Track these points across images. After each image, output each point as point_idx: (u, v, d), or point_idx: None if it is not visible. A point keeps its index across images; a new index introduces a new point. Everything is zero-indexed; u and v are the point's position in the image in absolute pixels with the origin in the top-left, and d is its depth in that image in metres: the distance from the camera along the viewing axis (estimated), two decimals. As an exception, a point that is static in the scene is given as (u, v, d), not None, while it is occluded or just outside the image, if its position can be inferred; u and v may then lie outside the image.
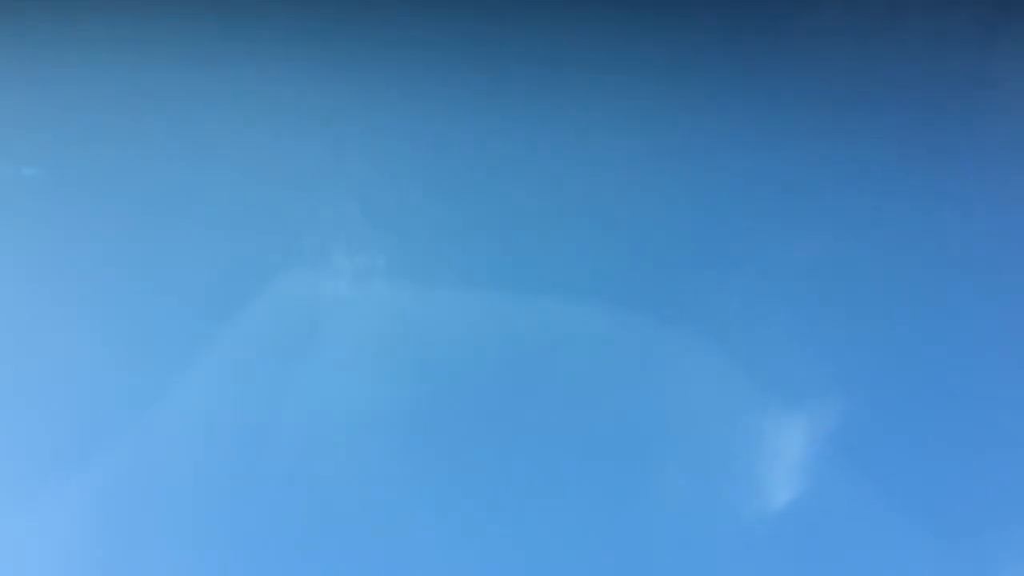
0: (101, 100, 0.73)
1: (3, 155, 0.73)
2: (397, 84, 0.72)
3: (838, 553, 0.63)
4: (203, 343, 0.68)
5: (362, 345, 0.68)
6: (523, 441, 0.66)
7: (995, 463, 0.63)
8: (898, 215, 0.67)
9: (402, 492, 0.66)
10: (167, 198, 0.71)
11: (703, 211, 0.69)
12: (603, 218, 0.69)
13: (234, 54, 0.74)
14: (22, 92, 0.74)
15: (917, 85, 0.69)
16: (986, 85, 0.70)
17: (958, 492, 0.63)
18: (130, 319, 0.69)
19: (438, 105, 0.72)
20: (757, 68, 0.70)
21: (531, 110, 0.71)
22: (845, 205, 0.68)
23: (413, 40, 0.73)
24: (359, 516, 0.65)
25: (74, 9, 0.75)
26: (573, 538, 0.64)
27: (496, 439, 0.66)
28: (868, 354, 0.66)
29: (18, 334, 0.70)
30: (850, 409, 0.65)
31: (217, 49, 0.74)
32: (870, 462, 0.64)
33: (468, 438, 0.66)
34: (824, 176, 0.68)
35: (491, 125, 0.71)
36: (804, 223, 0.68)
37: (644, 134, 0.70)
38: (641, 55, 0.71)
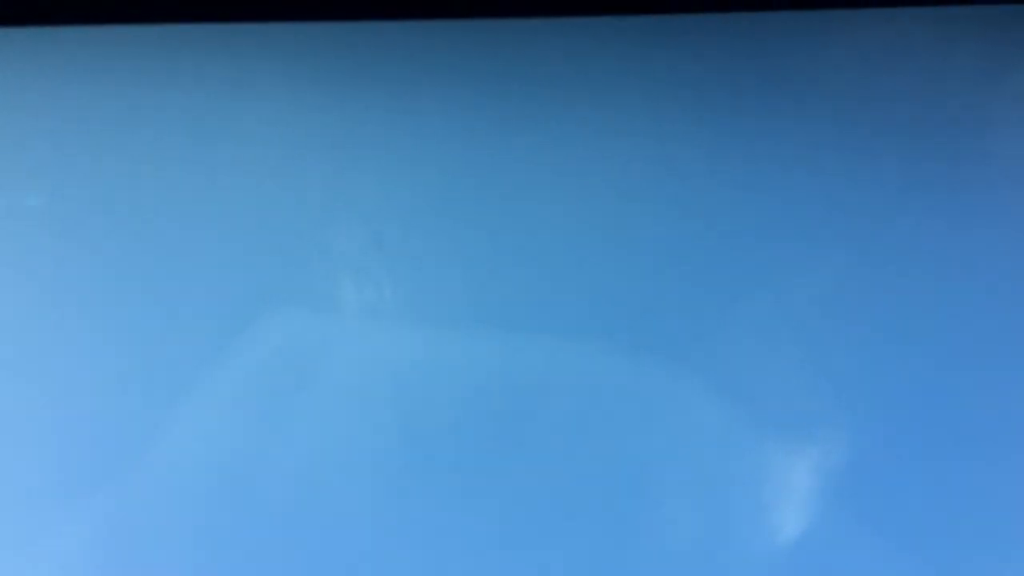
0: (107, 127, 0.73)
1: (7, 185, 0.73)
2: (410, 113, 0.72)
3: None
4: (210, 373, 0.68)
5: (366, 377, 0.68)
6: (529, 477, 0.65)
7: (1006, 498, 0.63)
8: (907, 248, 0.68)
9: (403, 525, 0.65)
10: (173, 227, 0.71)
11: (709, 245, 0.68)
12: (611, 253, 0.69)
13: (245, 82, 0.74)
14: (28, 122, 0.74)
15: (922, 119, 0.70)
16: (988, 120, 0.70)
17: (967, 530, 0.63)
18: (134, 348, 0.69)
19: (449, 133, 0.72)
20: (765, 103, 0.71)
21: (545, 143, 0.71)
22: (852, 239, 0.68)
23: (426, 70, 0.73)
24: (359, 554, 0.65)
25: (85, 35, 0.75)
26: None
27: (500, 477, 0.65)
28: (876, 388, 0.65)
29: (17, 364, 0.70)
30: (857, 444, 0.65)
31: (228, 78, 0.74)
32: (879, 498, 0.64)
33: (471, 474, 0.66)
34: (831, 210, 0.68)
35: (504, 158, 0.71)
36: (811, 257, 0.68)
37: (653, 170, 0.70)
38: (653, 94, 0.71)
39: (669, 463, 0.65)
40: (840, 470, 0.64)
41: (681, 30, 0.72)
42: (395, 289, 0.69)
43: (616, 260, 0.69)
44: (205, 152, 0.72)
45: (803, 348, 0.66)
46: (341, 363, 0.68)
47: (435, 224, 0.70)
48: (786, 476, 0.65)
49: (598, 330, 0.67)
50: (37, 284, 0.71)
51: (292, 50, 0.74)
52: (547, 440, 0.66)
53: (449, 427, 0.66)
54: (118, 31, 0.75)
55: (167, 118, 0.73)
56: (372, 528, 0.65)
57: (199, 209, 0.71)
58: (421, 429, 0.67)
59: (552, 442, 0.66)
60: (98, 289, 0.70)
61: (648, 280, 0.68)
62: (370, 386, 0.68)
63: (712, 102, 0.71)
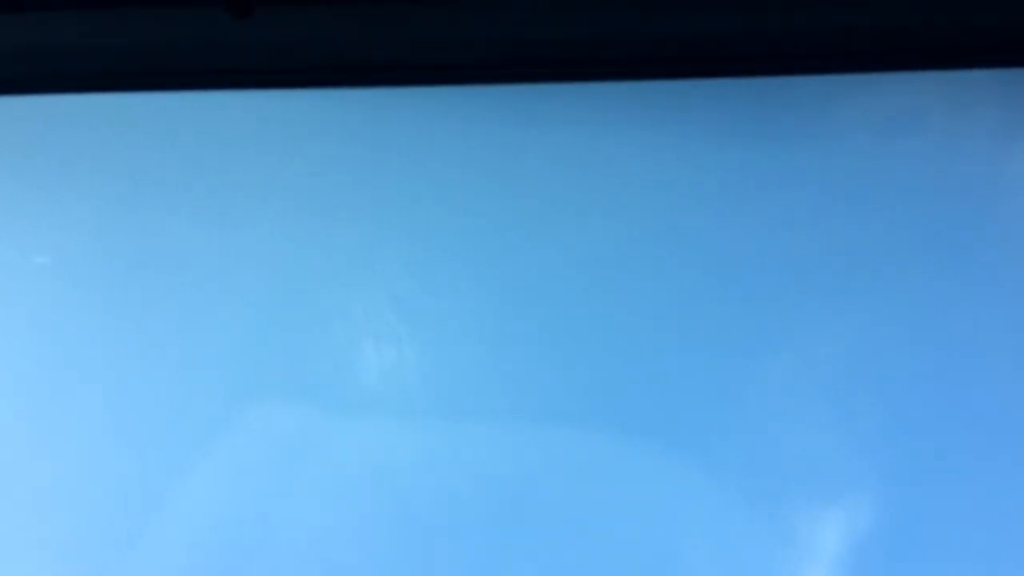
0: (116, 188, 0.73)
1: (13, 243, 0.72)
2: (430, 177, 0.72)
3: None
4: (212, 452, 0.67)
5: (383, 443, 0.67)
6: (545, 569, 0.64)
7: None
8: (924, 310, 0.67)
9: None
10: (189, 287, 0.70)
11: (724, 313, 0.68)
12: (626, 325, 0.68)
13: (258, 147, 0.73)
14: (36, 182, 0.73)
15: (940, 181, 0.70)
16: (1005, 182, 0.70)
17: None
18: (138, 417, 0.68)
19: (467, 198, 0.71)
20: (779, 167, 0.70)
21: (564, 214, 0.71)
22: (869, 302, 0.68)
23: (451, 135, 0.72)
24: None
25: (95, 100, 0.75)
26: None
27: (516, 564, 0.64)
28: (898, 448, 0.65)
29: (16, 430, 0.69)
30: (884, 504, 0.64)
31: (240, 143, 0.73)
32: (907, 559, 0.63)
33: (479, 563, 0.64)
34: (847, 273, 0.68)
35: (522, 226, 0.71)
36: (827, 321, 0.68)
37: (666, 237, 0.70)
38: (663, 160, 0.71)
39: (695, 539, 0.64)
40: (870, 537, 0.63)
41: (693, 95, 0.73)
42: (421, 354, 0.69)
43: (632, 331, 0.68)
44: (218, 215, 0.72)
45: (825, 414, 0.66)
46: (338, 451, 0.67)
47: (465, 289, 0.70)
48: (813, 546, 0.64)
49: (615, 409, 0.67)
50: (41, 348, 0.70)
51: (310, 115, 0.74)
52: (565, 529, 0.65)
53: (461, 512, 0.66)
54: (131, 97, 0.74)
55: (178, 181, 0.73)
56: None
57: (211, 272, 0.70)
58: (431, 515, 0.66)
59: (571, 530, 0.65)
60: (105, 352, 0.69)
61: (668, 352, 0.68)
62: (390, 451, 0.67)
63: (725, 166, 0.71)
